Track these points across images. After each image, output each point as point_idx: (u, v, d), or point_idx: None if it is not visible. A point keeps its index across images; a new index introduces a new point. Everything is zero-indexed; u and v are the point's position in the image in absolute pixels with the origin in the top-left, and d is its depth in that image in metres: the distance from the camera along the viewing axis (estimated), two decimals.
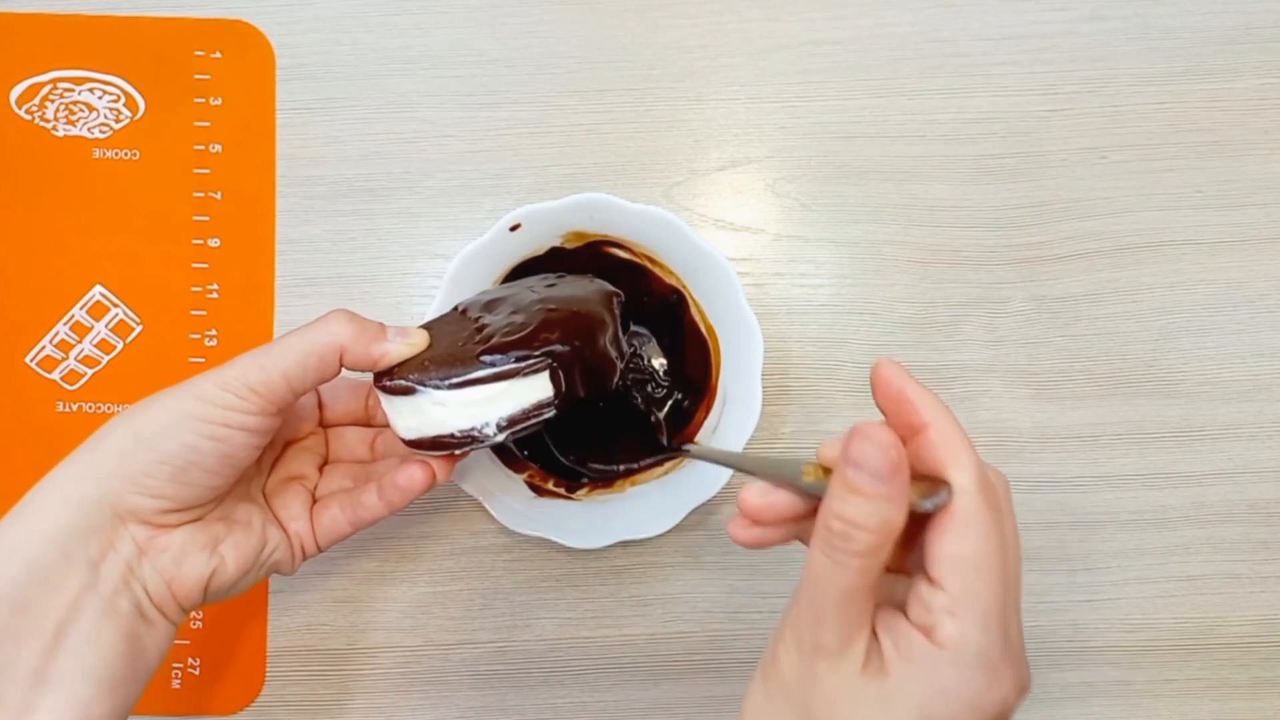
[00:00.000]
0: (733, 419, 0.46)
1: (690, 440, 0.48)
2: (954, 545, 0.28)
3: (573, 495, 0.48)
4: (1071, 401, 0.51)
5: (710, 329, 0.48)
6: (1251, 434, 0.51)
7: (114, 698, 0.34)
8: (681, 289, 0.48)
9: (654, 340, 0.50)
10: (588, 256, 0.48)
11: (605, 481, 0.49)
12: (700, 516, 0.50)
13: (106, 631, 0.34)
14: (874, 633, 0.30)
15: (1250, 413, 0.52)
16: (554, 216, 0.45)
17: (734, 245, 0.52)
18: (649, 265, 0.48)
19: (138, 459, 0.35)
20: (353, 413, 0.45)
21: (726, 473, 0.45)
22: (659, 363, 0.50)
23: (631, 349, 0.50)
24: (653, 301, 0.49)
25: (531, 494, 0.48)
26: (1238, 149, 0.53)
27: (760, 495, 0.33)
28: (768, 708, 0.31)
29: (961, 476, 0.29)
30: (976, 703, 0.28)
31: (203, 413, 0.35)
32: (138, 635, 0.35)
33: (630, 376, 0.50)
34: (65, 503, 0.34)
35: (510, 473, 0.48)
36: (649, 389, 0.50)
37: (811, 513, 0.32)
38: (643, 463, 0.48)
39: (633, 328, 0.50)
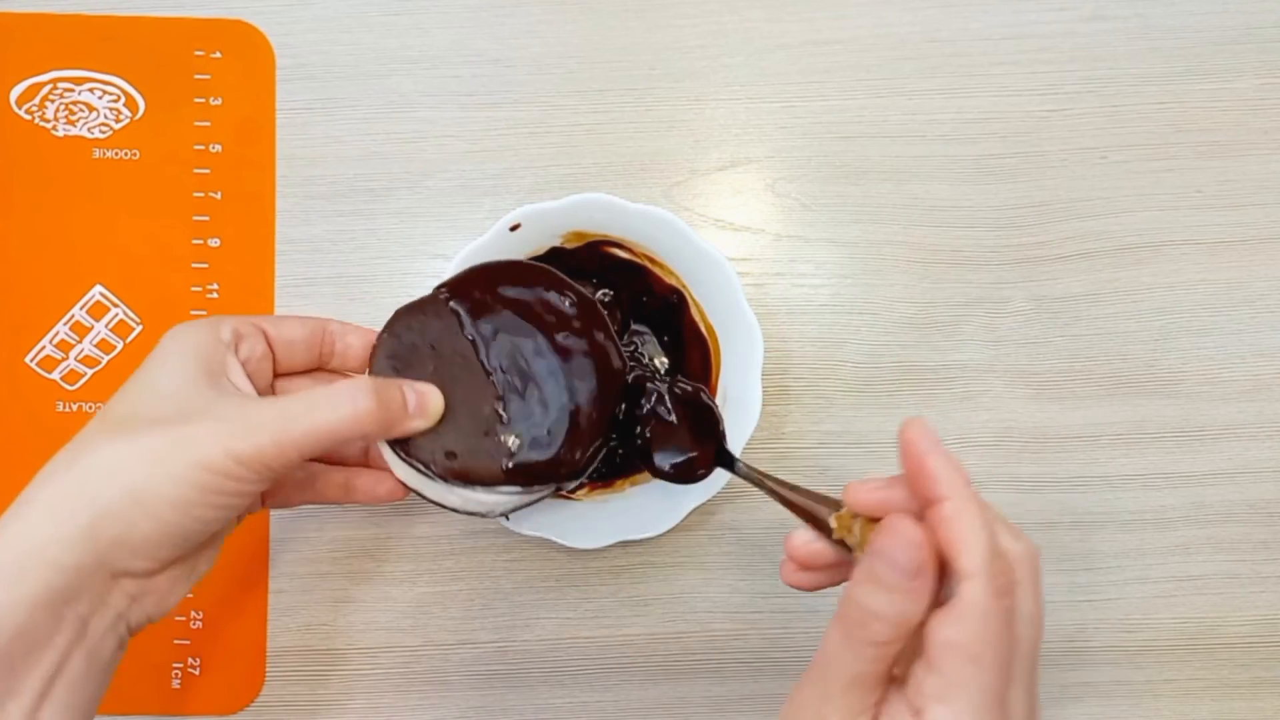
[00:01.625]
0: (733, 419, 0.46)
1: None
2: (950, 631, 0.28)
3: (572, 495, 0.48)
4: (1071, 401, 0.51)
5: (710, 329, 0.48)
6: (1251, 434, 0.51)
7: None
8: (681, 289, 0.48)
9: (654, 340, 0.50)
10: (587, 256, 0.48)
11: (605, 482, 0.49)
12: (701, 517, 0.50)
13: (91, 675, 0.34)
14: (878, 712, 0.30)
15: (1250, 413, 0.52)
16: (554, 216, 0.45)
17: (734, 245, 0.52)
18: (649, 265, 0.48)
19: (142, 530, 0.33)
20: (308, 364, 0.43)
21: (727, 475, 0.45)
22: (660, 362, 0.50)
23: (632, 347, 0.50)
24: (653, 301, 0.49)
25: None
26: (1238, 149, 0.53)
27: (805, 544, 0.34)
28: None
29: (968, 560, 0.29)
30: None
31: (216, 485, 0.34)
32: (114, 663, 0.36)
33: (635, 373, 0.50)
34: (60, 569, 0.33)
35: None
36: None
37: (848, 562, 0.33)
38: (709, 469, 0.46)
39: (633, 326, 0.50)
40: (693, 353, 0.49)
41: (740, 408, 0.46)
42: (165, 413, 0.35)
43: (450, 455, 0.39)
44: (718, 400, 0.48)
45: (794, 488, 0.36)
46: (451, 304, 0.42)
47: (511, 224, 0.45)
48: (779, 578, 0.50)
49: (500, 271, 0.43)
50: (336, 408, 0.35)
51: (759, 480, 0.39)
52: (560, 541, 0.45)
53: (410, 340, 0.41)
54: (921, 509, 0.30)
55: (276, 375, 0.42)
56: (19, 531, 0.33)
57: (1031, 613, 0.30)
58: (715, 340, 0.48)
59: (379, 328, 0.41)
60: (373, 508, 0.50)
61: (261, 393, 0.39)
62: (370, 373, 0.40)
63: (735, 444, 0.45)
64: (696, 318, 0.48)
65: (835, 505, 0.34)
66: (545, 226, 0.46)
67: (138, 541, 0.33)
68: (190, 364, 0.37)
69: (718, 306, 0.47)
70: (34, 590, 0.32)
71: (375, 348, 0.41)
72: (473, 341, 0.41)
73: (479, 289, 0.42)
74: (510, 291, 0.42)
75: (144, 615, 0.36)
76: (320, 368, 0.44)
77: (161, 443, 0.34)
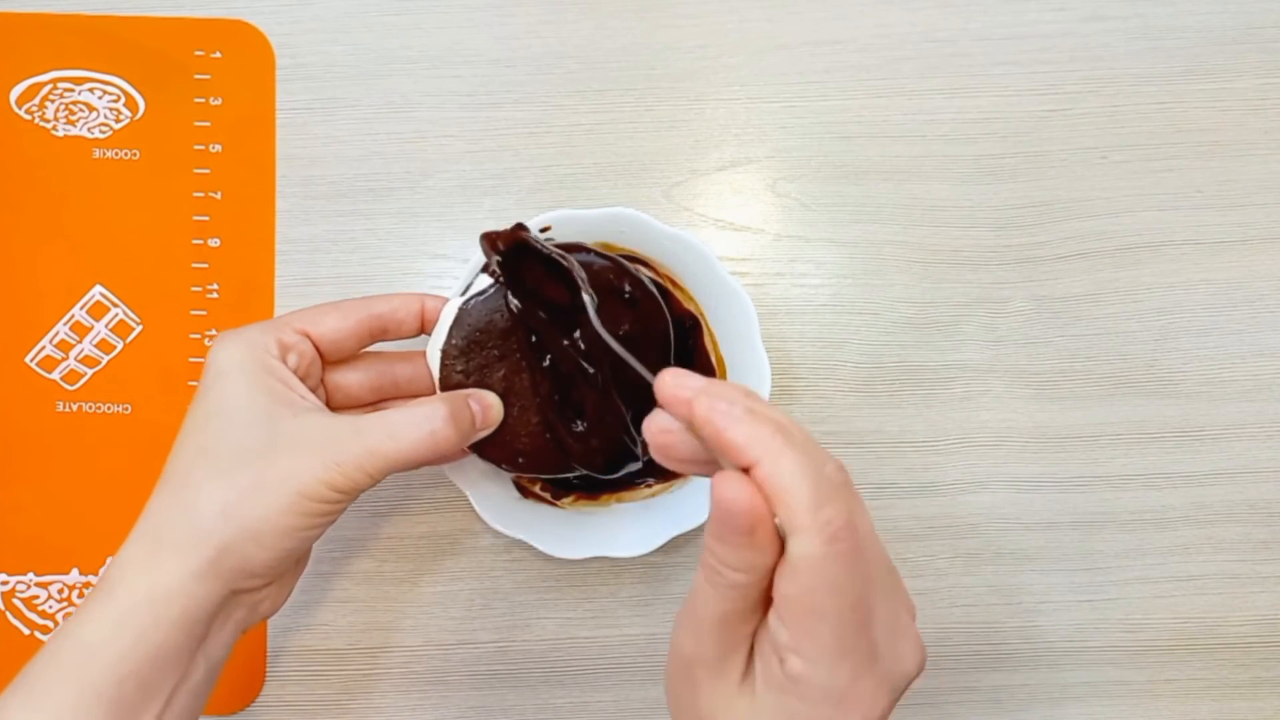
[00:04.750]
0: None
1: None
2: (787, 587, 0.28)
3: (557, 502, 0.48)
4: (1071, 401, 0.51)
5: (720, 360, 0.48)
6: (1252, 434, 0.51)
7: None
8: (698, 316, 0.48)
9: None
10: None
11: (590, 494, 0.49)
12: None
13: (207, 679, 0.38)
14: (753, 647, 0.30)
15: (1250, 413, 0.52)
16: (585, 224, 0.45)
17: (734, 245, 0.52)
18: (670, 287, 0.48)
19: (259, 558, 0.36)
20: (358, 349, 0.44)
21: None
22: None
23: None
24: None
25: (517, 494, 0.48)
26: (1238, 149, 0.53)
27: (663, 432, 0.31)
28: (673, 709, 0.33)
29: (791, 516, 0.27)
30: None
31: (317, 510, 0.37)
32: (224, 663, 0.39)
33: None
34: (194, 597, 0.36)
35: (499, 470, 0.48)
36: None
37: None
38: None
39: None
40: None
41: None
42: (252, 444, 0.37)
43: (518, 455, 0.42)
44: None
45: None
46: (511, 297, 0.41)
47: (542, 225, 0.44)
48: None
49: (556, 260, 0.42)
50: (416, 439, 0.38)
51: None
52: (538, 547, 0.45)
53: (475, 339, 0.41)
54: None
55: (327, 364, 0.42)
56: (158, 568, 0.36)
57: (869, 528, 0.30)
58: (724, 372, 0.48)
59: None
60: (373, 508, 0.50)
61: (314, 390, 0.41)
62: (439, 376, 0.41)
63: None
64: (708, 346, 0.48)
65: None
66: (575, 232, 0.46)
67: (255, 567, 0.37)
68: (256, 387, 0.38)
69: (731, 340, 0.47)
70: (173, 615, 0.35)
71: (444, 353, 0.41)
72: (533, 334, 0.41)
73: (537, 280, 0.41)
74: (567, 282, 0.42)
75: (259, 616, 0.40)
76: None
77: (262, 479, 0.36)
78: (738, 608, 0.29)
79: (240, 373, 0.38)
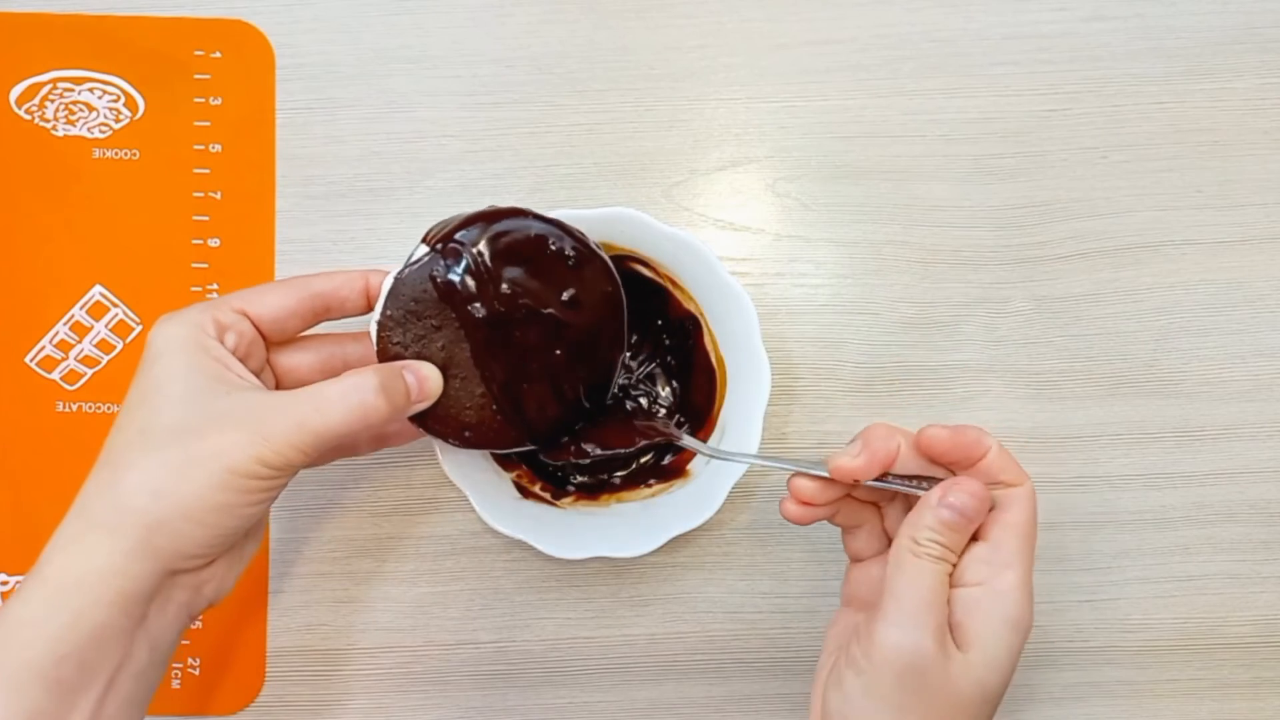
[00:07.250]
0: (729, 451, 0.46)
1: (683, 469, 0.49)
2: (1014, 517, 0.38)
3: (557, 502, 0.48)
4: (1071, 401, 0.51)
5: (720, 360, 0.48)
6: (1252, 434, 0.51)
7: (144, 709, 0.38)
8: (698, 316, 0.48)
9: (662, 373, 0.50)
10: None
11: (590, 494, 0.49)
12: None
13: (152, 665, 0.37)
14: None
15: (1250, 413, 0.52)
16: (585, 224, 0.44)
17: (734, 245, 0.52)
18: (670, 287, 0.48)
19: (194, 537, 0.36)
20: (303, 328, 0.43)
21: (712, 507, 0.45)
22: (666, 390, 0.50)
23: (637, 371, 0.50)
24: (667, 324, 0.49)
25: (517, 494, 0.48)
26: (1238, 149, 0.53)
27: (813, 483, 0.40)
28: (864, 700, 0.36)
29: (1017, 476, 0.39)
30: (1027, 622, 0.37)
31: (251, 486, 0.36)
32: (172, 651, 0.39)
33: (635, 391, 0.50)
34: (130, 577, 0.35)
35: (500, 470, 0.48)
36: (648, 406, 0.50)
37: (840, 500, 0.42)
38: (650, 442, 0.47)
39: (641, 356, 0.50)
40: (699, 381, 0.49)
41: (738, 442, 0.46)
42: (187, 420, 0.36)
43: (464, 429, 0.42)
44: (716, 430, 0.48)
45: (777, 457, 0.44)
46: (450, 266, 0.41)
47: None
48: (778, 578, 0.51)
49: (500, 226, 0.41)
50: (345, 411, 0.37)
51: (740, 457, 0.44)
52: (538, 547, 0.45)
53: (411, 310, 0.40)
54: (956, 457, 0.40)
55: (271, 345, 0.42)
56: (91, 547, 0.35)
57: None
58: (724, 371, 0.48)
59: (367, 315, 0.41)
60: (373, 508, 0.50)
61: (258, 371, 0.40)
62: (376, 349, 0.41)
63: (729, 477, 0.45)
64: (709, 346, 0.48)
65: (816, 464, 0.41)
66: None
67: (190, 547, 0.36)
68: (193, 367, 0.37)
69: (732, 340, 0.47)
70: (109, 595, 0.35)
71: (380, 325, 0.40)
72: (473, 302, 0.41)
73: (477, 247, 0.41)
74: (512, 248, 0.41)
75: (205, 601, 0.39)
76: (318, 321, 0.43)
77: (191, 456, 0.36)
78: (947, 579, 0.38)
79: (177, 353, 0.37)
